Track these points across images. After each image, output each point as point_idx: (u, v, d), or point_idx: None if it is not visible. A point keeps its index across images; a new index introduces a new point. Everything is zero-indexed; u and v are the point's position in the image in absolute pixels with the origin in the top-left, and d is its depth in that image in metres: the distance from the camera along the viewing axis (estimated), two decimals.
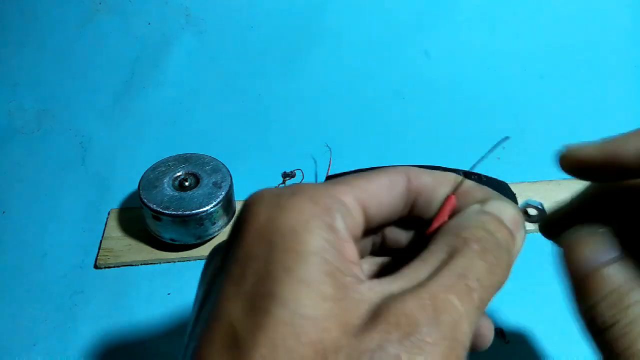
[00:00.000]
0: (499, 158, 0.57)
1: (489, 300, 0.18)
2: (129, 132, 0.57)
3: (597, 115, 0.62)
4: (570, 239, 0.22)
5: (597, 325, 0.20)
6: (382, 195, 0.20)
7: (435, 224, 0.21)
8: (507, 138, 0.22)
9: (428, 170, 0.22)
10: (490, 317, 0.44)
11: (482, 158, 0.22)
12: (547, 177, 0.54)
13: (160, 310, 0.42)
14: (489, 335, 0.23)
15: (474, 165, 0.22)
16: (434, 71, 0.63)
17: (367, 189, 0.20)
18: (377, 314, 0.15)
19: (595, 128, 0.61)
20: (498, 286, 0.18)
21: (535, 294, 0.44)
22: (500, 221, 0.20)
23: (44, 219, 0.48)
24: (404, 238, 0.23)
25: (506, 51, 0.64)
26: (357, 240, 0.20)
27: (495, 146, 0.22)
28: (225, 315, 0.16)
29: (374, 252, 0.24)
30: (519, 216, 0.21)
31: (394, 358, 0.14)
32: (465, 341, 0.16)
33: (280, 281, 0.16)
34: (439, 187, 0.21)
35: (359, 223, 0.19)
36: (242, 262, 0.17)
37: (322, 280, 0.16)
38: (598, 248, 0.21)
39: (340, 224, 0.18)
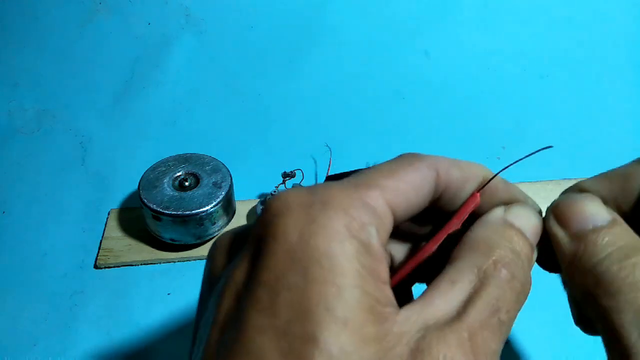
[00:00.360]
0: (499, 158, 0.57)
1: (510, 330, 0.18)
2: (129, 132, 0.57)
3: (597, 115, 0.62)
4: (570, 199, 0.21)
5: (602, 286, 0.19)
6: (412, 195, 0.19)
7: (455, 220, 0.21)
8: (549, 147, 0.21)
9: (457, 162, 0.21)
10: None
11: (520, 160, 0.21)
12: (547, 177, 0.54)
13: (160, 310, 0.42)
14: None
15: (507, 166, 0.22)
16: (434, 71, 0.63)
17: (397, 190, 0.18)
18: (418, 352, 0.15)
19: (595, 128, 0.61)
20: (518, 312, 0.18)
21: (534, 293, 0.44)
22: (524, 237, 0.20)
23: (44, 219, 0.48)
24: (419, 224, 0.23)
25: (506, 51, 0.64)
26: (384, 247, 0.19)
27: (535, 152, 0.21)
28: (256, 352, 0.15)
29: None
30: (540, 225, 0.21)
31: None
32: None
33: (321, 322, 0.14)
34: (467, 183, 0.21)
35: (388, 230, 0.19)
36: (272, 289, 0.15)
37: (364, 319, 0.15)
38: (600, 208, 0.21)
39: (375, 240, 0.17)
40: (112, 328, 0.41)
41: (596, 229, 0.20)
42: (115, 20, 0.60)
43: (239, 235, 0.20)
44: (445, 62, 0.63)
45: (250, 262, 0.17)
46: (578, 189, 0.24)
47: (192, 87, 0.60)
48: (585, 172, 0.55)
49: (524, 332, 0.41)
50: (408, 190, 0.19)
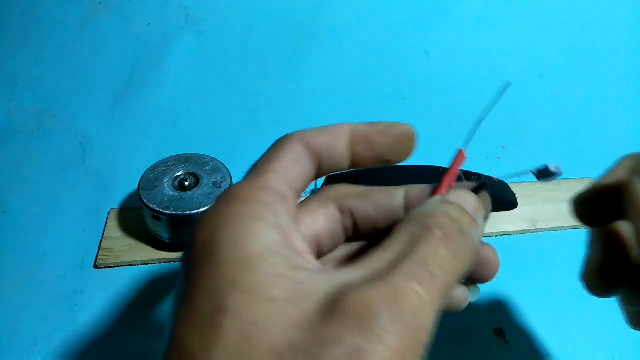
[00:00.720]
0: (499, 158, 0.57)
1: (454, 285, 0.17)
2: (129, 132, 0.57)
3: (596, 115, 0.62)
4: None
5: None
6: (299, 170, 0.20)
7: (452, 171, 0.22)
8: (509, 84, 0.23)
9: (321, 128, 0.22)
10: (491, 317, 0.44)
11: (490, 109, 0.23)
12: None
13: (160, 310, 0.42)
14: (495, 260, 0.23)
15: (483, 118, 0.23)
16: (434, 71, 0.63)
17: (286, 170, 0.20)
18: (333, 304, 0.15)
19: (595, 128, 0.61)
20: (463, 272, 0.18)
21: (535, 293, 0.44)
22: (462, 209, 0.20)
23: (44, 219, 0.48)
24: (374, 214, 0.23)
25: (506, 51, 0.64)
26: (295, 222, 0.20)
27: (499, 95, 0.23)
28: (177, 338, 0.16)
29: (349, 239, 0.24)
30: (480, 204, 0.21)
31: (354, 349, 0.14)
32: (428, 325, 0.16)
33: (229, 294, 0.16)
34: (337, 141, 0.21)
35: (294, 205, 0.20)
36: (190, 282, 0.17)
37: (269, 284, 0.16)
38: None
39: (283, 215, 0.18)
40: (112, 328, 0.41)
41: None
42: (115, 20, 0.60)
43: None
44: (445, 62, 0.63)
45: (182, 273, 0.19)
46: None
47: (192, 87, 0.60)
48: (585, 172, 0.55)
49: (523, 332, 0.41)
50: (294, 167, 0.20)
